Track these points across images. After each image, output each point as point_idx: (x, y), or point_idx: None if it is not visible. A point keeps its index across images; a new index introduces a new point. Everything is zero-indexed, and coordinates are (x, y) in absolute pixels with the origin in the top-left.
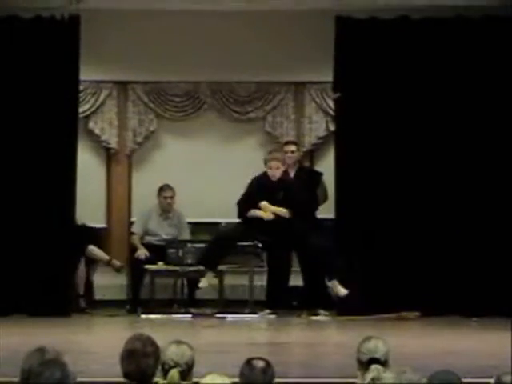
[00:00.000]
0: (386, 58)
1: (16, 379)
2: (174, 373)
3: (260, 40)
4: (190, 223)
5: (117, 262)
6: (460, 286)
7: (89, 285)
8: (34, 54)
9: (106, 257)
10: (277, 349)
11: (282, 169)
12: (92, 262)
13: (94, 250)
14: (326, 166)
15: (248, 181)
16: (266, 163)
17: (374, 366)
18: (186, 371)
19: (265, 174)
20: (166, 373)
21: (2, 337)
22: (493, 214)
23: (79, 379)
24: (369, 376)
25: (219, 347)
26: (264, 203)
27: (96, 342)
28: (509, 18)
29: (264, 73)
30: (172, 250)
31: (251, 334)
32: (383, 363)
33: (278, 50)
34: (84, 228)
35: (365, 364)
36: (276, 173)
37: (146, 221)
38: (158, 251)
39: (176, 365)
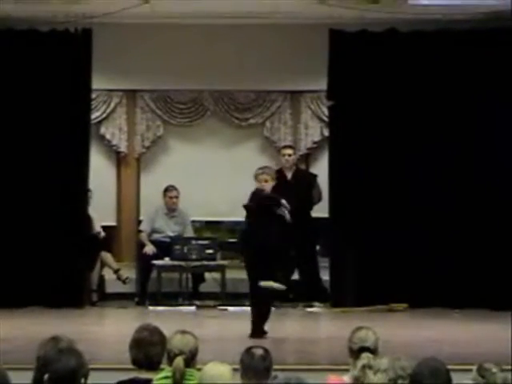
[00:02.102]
0: (376, 68)
1: (33, 366)
2: (178, 360)
3: (259, 52)
4: (193, 221)
5: (123, 274)
6: (444, 280)
7: (101, 279)
8: (49, 65)
9: (115, 266)
10: (275, 338)
11: (271, 183)
12: (104, 265)
13: (106, 257)
14: (321, 169)
15: (247, 182)
16: (255, 178)
17: (364, 354)
18: (190, 359)
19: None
20: (171, 360)
21: (20, 327)
22: (475, 214)
23: (92, 366)
24: (360, 363)
25: (221, 336)
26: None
27: (107, 332)
28: (491, 31)
29: (263, 82)
30: (177, 247)
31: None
32: (373, 351)
33: (275, 61)
34: (98, 236)
35: (356, 352)
36: (265, 186)
37: (153, 219)
38: (164, 247)
39: (181, 353)
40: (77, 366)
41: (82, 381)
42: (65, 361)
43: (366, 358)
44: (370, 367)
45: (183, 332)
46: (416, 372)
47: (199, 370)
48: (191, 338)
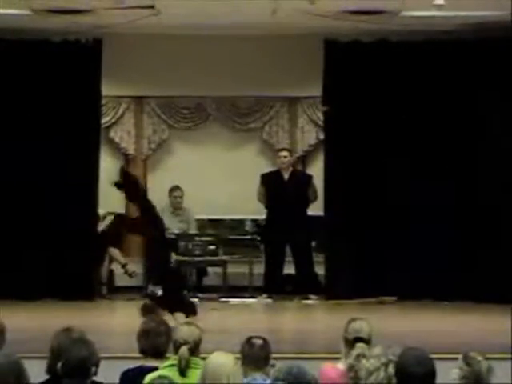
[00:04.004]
0: (369, 76)
1: (47, 355)
2: (183, 349)
3: (258, 60)
4: (197, 219)
5: (130, 269)
6: (432, 273)
7: (110, 273)
8: (62, 73)
9: (122, 261)
10: (273, 328)
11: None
12: (112, 260)
13: (114, 252)
14: (316, 170)
15: (248, 182)
16: None
17: (359, 344)
18: (194, 348)
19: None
20: (177, 349)
21: (34, 318)
22: (461, 212)
23: (101, 355)
24: (354, 353)
25: (223, 327)
26: None
27: (116, 323)
28: (478, 41)
29: (262, 89)
30: (182, 243)
31: (251, 315)
32: (367, 341)
33: (274, 69)
34: (107, 232)
35: (351, 342)
36: None
37: None
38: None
39: (185, 343)
40: (88, 355)
41: (93, 369)
42: (77, 350)
43: (360, 347)
44: (365, 356)
45: (188, 323)
46: (401, 361)
47: (203, 358)
48: (196, 328)
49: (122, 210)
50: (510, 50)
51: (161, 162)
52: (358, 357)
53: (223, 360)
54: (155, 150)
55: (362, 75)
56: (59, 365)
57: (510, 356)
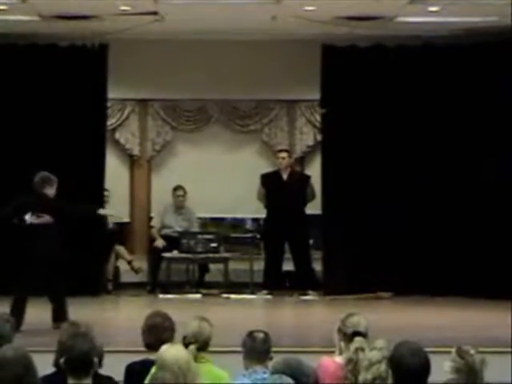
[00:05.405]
0: (365, 80)
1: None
2: (191, 348)
3: (258, 64)
4: (199, 218)
5: (136, 265)
6: (426, 270)
7: (116, 270)
8: (69, 77)
9: (128, 258)
10: (273, 323)
11: None
12: (118, 257)
13: (120, 249)
14: (314, 170)
15: (248, 182)
16: None
17: (357, 338)
18: (204, 346)
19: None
20: (185, 346)
21: (43, 313)
22: (454, 211)
23: (107, 348)
24: (353, 346)
25: (225, 322)
26: None
27: (121, 318)
28: (470, 46)
29: (262, 92)
30: (185, 241)
31: (251, 310)
32: (364, 335)
33: (273, 73)
34: (114, 231)
35: (349, 336)
36: None
37: (162, 216)
38: (173, 241)
39: (195, 340)
40: (90, 349)
41: (97, 361)
42: (79, 345)
43: (358, 341)
44: (363, 349)
45: (201, 319)
46: (396, 353)
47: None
48: (207, 325)
49: (126, 208)
50: (504, 53)
51: (164, 162)
52: (357, 350)
53: (175, 354)
54: (159, 151)
55: (359, 79)
56: (62, 359)
57: (506, 350)
